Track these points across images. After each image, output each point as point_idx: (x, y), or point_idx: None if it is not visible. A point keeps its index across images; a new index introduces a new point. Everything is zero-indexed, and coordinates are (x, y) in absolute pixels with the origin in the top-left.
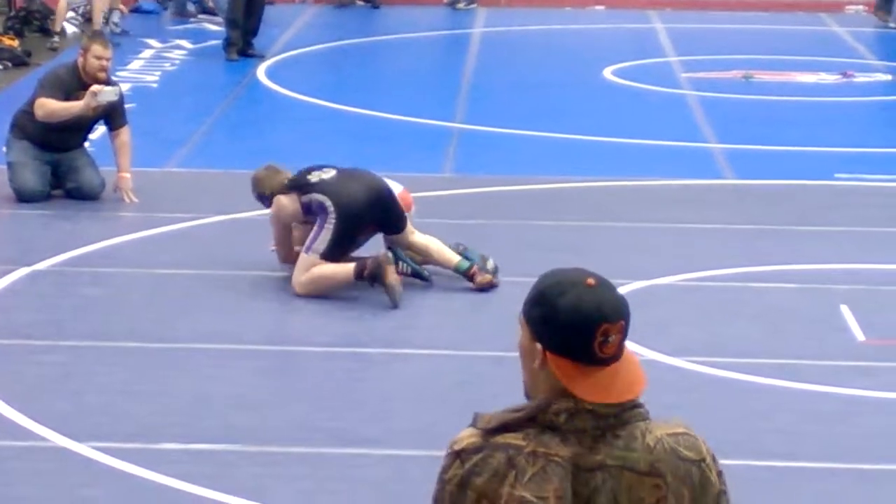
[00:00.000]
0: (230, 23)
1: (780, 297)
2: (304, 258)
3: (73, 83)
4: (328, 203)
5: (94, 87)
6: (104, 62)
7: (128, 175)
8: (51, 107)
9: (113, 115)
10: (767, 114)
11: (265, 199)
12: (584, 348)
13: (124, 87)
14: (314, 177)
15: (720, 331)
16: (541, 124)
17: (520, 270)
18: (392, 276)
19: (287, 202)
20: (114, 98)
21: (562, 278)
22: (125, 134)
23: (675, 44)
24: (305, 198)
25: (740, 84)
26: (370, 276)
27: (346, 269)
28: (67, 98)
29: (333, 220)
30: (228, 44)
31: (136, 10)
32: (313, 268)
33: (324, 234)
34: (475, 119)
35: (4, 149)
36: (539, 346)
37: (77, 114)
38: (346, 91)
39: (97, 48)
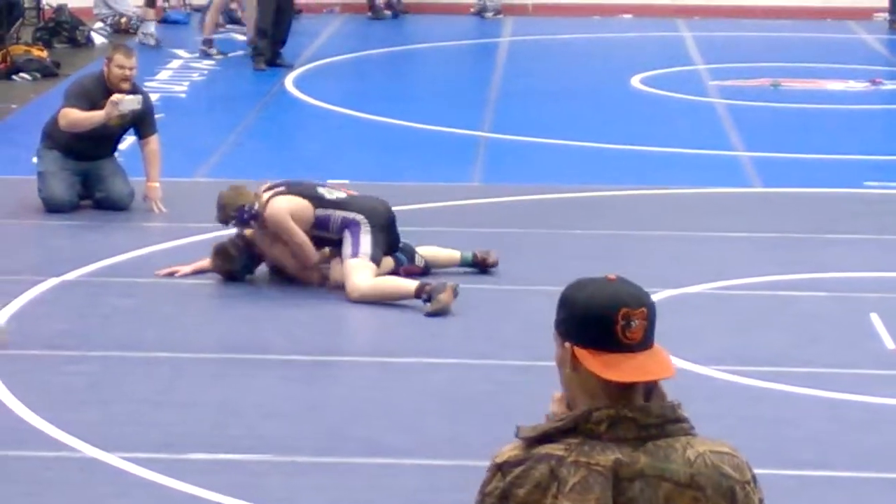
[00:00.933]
0: (259, 32)
1: (809, 305)
2: (356, 263)
3: (98, 92)
4: (359, 217)
5: (115, 97)
6: (127, 71)
7: (157, 185)
8: (73, 116)
9: (141, 124)
10: (796, 122)
11: (243, 216)
12: (608, 334)
13: (153, 96)
14: (328, 193)
15: (750, 339)
16: (569, 133)
17: (549, 279)
18: (448, 298)
19: (302, 206)
20: (136, 107)
21: (583, 279)
22: (154, 143)
23: (702, 52)
24: (322, 212)
25: (768, 92)
26: (428, 296)
27: (409, 286)
28: (92, 107)
29: (369, 230)
30: (257, 54)
31: (165, 21)
32: (376, 278)
33: (363, 239)
34: (503, 128)
35: (35, 159)
36: (567, 345)
37: (98, 123)
38: (373, 100)
39: (119, 58)
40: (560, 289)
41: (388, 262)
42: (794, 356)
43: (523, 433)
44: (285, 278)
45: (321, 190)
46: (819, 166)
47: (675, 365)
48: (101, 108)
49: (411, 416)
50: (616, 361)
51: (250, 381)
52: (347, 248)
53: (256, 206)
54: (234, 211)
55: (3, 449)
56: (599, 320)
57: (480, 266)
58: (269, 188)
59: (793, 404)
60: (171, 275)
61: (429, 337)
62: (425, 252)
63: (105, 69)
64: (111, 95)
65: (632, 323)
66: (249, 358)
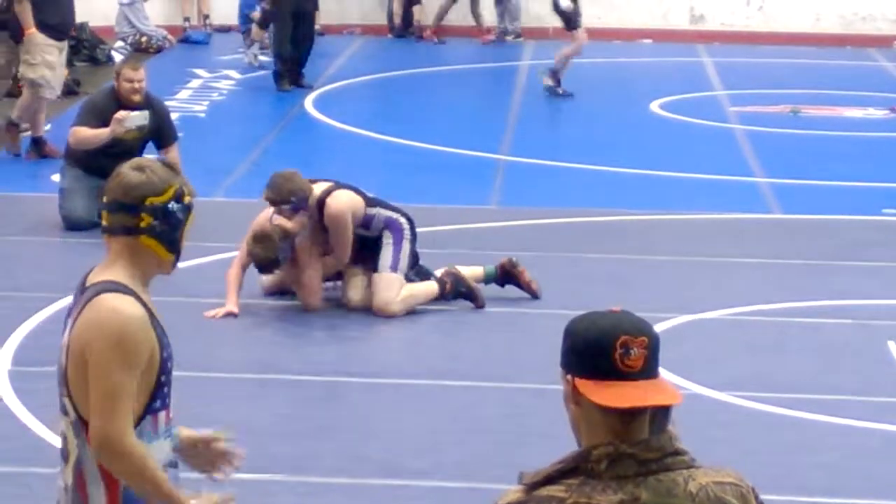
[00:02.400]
0: (276, 56)
1: (827, 332)
2: (393, 278)
3: (110, 108)
4: (402, 221)
5: (120, 114)
6: (135, 84)
7: None
8: (81, 134)
9: (159, 136)
10: (815, 148)
11: (301, 204)
12: (606, 361)
13: (172, 116)
14: (366, 193)
15: (766, 365)
16: (587, 157)
17: (565, 303)
18: (472, 281)
19: (358, 203)
20: (142, 122)
21: (585, 313)
22: (173, 152)
23: (722, 77)
24: (370, 209)
25: (788, 118)
26: (453, 291)
27: (432, 287)
28: (104, 123)
29: (409, 238)
30: (278, 76)
31: (185, 40)
32: (403, 288)
33: (403, 252)
34: (522, 151)
35: (58, 176)
36: (569, 377)
37: (106, 140)
38: (393, 122)
39: (127, 71)
40: (577, 312)
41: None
42: (811, 383)
43: (526, 479)
44: (283, 293)
45: (357, 189)
46: (838, 193)
47: (681, 393)
48: None
49: (426, 438)
50: (614, 389)
51: (264, 400)
52: (388, 257)
53: (308, 197)
54: (290, 194)
55: (22, 466)
56: (597, 348)
57: (510, 277)
58: (315, 182)
59: (809, 431)
60: (229, 315)
61: (444, 359)
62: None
63: (115, 84)
64: (123, 109)
65: (630, 351)
66: (263, 378)
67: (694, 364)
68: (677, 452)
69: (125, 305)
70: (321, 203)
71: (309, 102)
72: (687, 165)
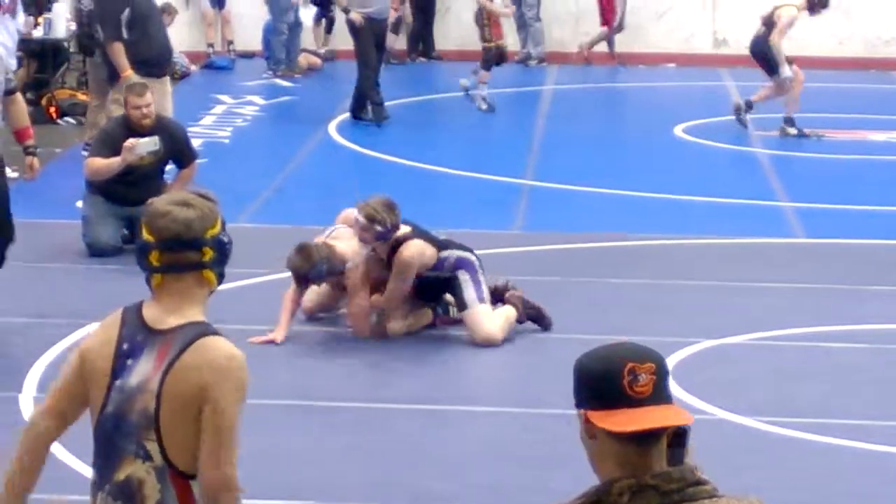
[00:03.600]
0: (362, 78)
1: (851, 356)
2: (484, 309)
3: (121, 136)
4: (472, 257)
5: (129, 142)
6: (143, 110)
7: None
8: (94, 166)
9: (178, 157)
10: (839, 172)
11: (388, 234)
12: (615, 389)
13: (196, 142)
14: (438, 234)
15: (791, 390)
16: (611, 181)
17: (590, 328)
18: (536, 303)
19: (431, 250)
20: (153, 148)
21: (591, 349)
22: (190, 168)
23: (744, 96)
24: (443, 253)
25: (812, 142)
26: (526, 317)
27: (512, 311)
28: (116, 152)
29: (481, 271)
30: (358, 107)
31: (209, 66)
32: (498, 318)
33: (483, 283)
34: (546, 176)
35: (80, 203)
36: (581, 411)
37: (118, 169)
38: (417, 147)
39: (132, 98)
40: (601, 338)
41: (428, 313)
42: (835, 408)
43: None
44: (325, 317)
45: (427, 231)
46: (862, 217)
47: (697, 417)
48: None
49: (454, 464)
50: (626, 415)
51: (294, 426)
52: (471, 292)
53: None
54: (388, 220)
55: (49, 493)
56: (606, 377)
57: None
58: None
59: (833, 456)
60: (270, 342)
61: (471, 385)
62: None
63: (125, 112)
64: (135, 136)
65: (639, 377)
66: (293, 404)
67: (718, 389)
68: (699, 482)
69: (235, 349)
70: (397, 244)
71: (332, 128)
72: (711, 190)
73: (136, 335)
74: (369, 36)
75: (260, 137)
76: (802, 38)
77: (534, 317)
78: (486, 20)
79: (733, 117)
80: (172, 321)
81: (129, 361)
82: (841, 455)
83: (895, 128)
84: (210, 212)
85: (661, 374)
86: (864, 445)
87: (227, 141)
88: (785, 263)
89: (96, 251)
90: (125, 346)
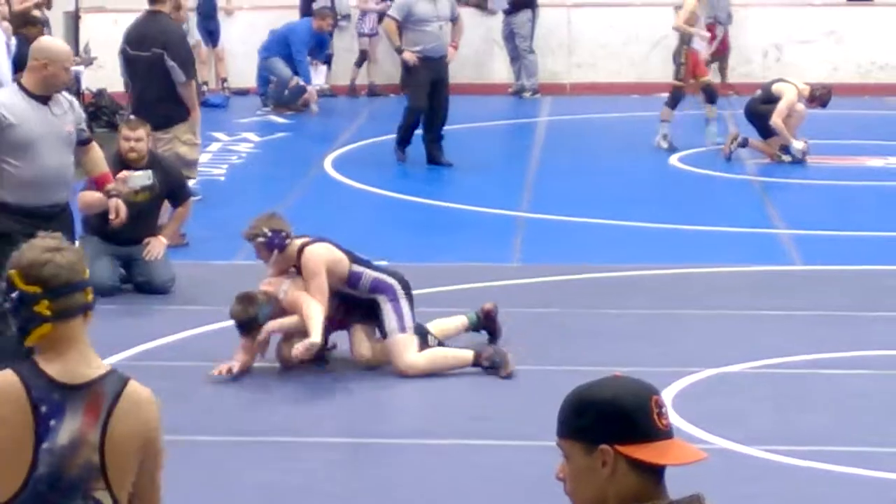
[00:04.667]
0: (406, 113)
1: (852, 383)
2: (404, 338)
3: (115, 170)
4: (392, 281)
5: (123, 174)
6: (132, 143)
7: (164, 241)
8: (86, 199)
9: (172, 195)
10: (835, 198)
11: (275, 239)
12: (648, 423)
13: (191, 182)
14: (355, 253)
15: (792, 418)
16: (607, 212)
17: (590, 360)
18: (511, 368)
19: (338, 258)
20: (146, 182)
21: (588, 384)
22: (184, 206)
23: (741, 129)
24: (356, 268)
25: (807, 169)
26: (490, 365)
27: (465, 356)
28: None
29: (405, 295)
30: (400, 144)
31: (203, 104)
32: (429, 350)
33: (405, 310)
34: (542, 207)
35: (77, 243)
36: (603, 447)
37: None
38: (412, 181)
39: (125, 130)
40: (602, 369)
41: (463, 321)
42: (838, 435)
43: None
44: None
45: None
46: (859, 243)
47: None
48: None
49: (456, 499)
50: (664, 448)
51: (293, 463)
52: (392, 319)
53: (288, 240)
54: (264, 226)
55: None
56: (638, 412)
57: (486, 323)
58: (299, 237)
59: (837, 484)
60: (229, 371)
61: (472, 419)
62: (435, 328)
63: (118, 145)
64: (128, 170)
65: (662, 409)
66: (292, 441)
67: (718, 418)
68: (692, 496)
69: (148, 389)
70: (300, 253)
71: (328, 163)
72: (707, 218)
73: (50, 395)
74: (422, 75)
75: (255, 174)
76: (797, 64)
77: (496, 365)
78: (683, 59)
79: (727, 146)
80: (88, 372)
81: (53, 422)
82: (844, 483)
83: (891, 153)
84: (77, 250)
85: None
86: (867, 472)
87: (222, 178)
88: (783, 291)
89: (94, 291)
90: (43, 409)
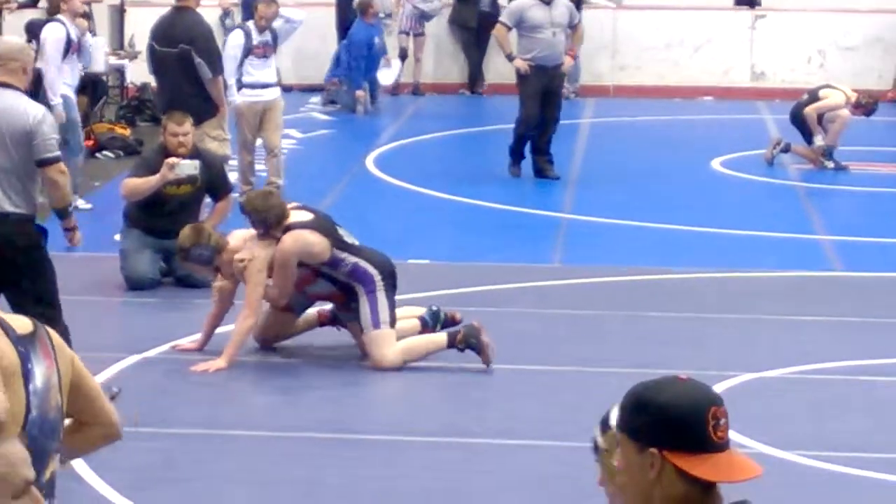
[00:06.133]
0: (516, 137)
1: (891, 390)
2: (381, 334)
3: (159, 162)
4: (372, 271)
5: (170, 160)
6: (180, 138)
7: None
8: (131, 185)
9: (213, 188)
10: (877, 205)
11: (268, 225)
12: (702, 435)
13: (234, 175)
14: (346, 236)
15: (830, 424)
16: (649, 215)
17: (626, 362)
18: (486, 337)
19: (318, 241)
20: (192, 172)
21: (651, 383)
22: (225, 201)
23: (783, 134)
24: (338, 253)
25: (849, 175)
26: (465, 344)
27: (439, 339)
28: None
29: (383, 288)
30: (514, 157)
31: None
32: (402, 341)
33: (381, 304)
34: (583, 209)
35: (118, 236)
36: (653, 450)
37: (156, 186)
38: (453, 180)
39: (171, 126)
40: (641, 371)
41: (415, 324)
42: (875, 442)
43: None
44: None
45: (340, 231)
46: None
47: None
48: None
49: (487, 498)
50: (715, 462)
51: (330, 460)
52: (367, 316)
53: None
54: (261, 215)
55: None
56: (693, 421)
57: (446, 325)
58: (296, 209)
59: (874, 491)
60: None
61: (504, 418)
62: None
63: (162, 139)
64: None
65: (720, 422)
66: (330, 437)
67: (757, 423)
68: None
69: None
70: (286, 231)
71: (370, 161)
72: (748, 223)
73: (20, 341)
74: (534, 84)
75: (297, 171)
76: (840, 70)
77: (476, 348)
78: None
79: (770, 150)
80: (28, 323)
81: (30, 365)
82: (882, 490)
83: None
84: None
85: (728, 416)
86: None
87: (264, 174)
88: (823, 297)
89: (134, 284)
90: (21, 350)
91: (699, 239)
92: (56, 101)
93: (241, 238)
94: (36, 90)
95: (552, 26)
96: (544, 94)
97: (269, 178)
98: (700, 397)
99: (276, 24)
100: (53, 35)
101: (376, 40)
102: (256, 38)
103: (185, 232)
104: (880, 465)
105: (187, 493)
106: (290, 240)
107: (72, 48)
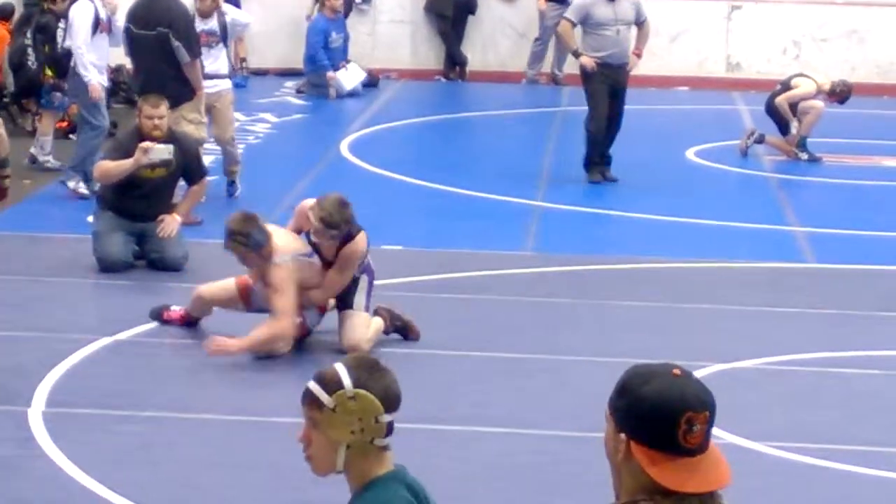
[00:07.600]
0: (589, 140)
1: (862, 382)
2: (366, 317)
3: (133, 145)
4: (370, 261)
5: (145, 144)
6: (155, 121)
7: (179, 219)
8: (104, 167)
9: (187, 172)
10: (850, 197)
11: (345, 236)
12: (669, 437)
13: (208, 159)
14: None
15: (801, 416)
16: (623, 204)
17: (600, 350)
18: (416, 328)
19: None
20: (166, 157)
21: (646, 369)
22: (199, 185)
23: (759, 125)
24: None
25: (823, 167)
26: (395, 329)
27: (380, 323)
28: (128, 157)
29: (372, 277)
30: (589, 164)
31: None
32: (371, 327)
33: (371, 294)
34: (557, 197)
35: (91, 218)
36: (623, 435)
37: (129, 170)
38: (428, 167)
39: (146, 108)
40: (611, 360)
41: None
42: (848, 434)
43: None
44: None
45: None
46: (874, 243)
47: (730, 470)
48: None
49: (459, 486)
50: (675, 466)
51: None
52: (363, 298)
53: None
54: (344, 223)
55: None
56: (662, 421)
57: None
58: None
59: (845, 482)
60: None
61: (477, 405)
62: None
63: (137, 122)
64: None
65: (693, 428)
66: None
67: (728, 414)
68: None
69: None
70: (346, 238)
71: (344, 146)
72: (722, 213)
73: None
74: (600, 82)
75: (272, 155)
76: (815, 63)
77: (401, 329)
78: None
79: (743, 141)
80: None
81: None
82: (854, 482)
83: None
84: None
85: (712, 421)
86: (877, 472)
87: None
88: (796, 288)
89: (106, 266)
90: None
91: (672, 228)
92: (90, 76)
93: (283, 238)
94: (66, 68)
95: (617, 23)
96: (609, 93)
97: (229, 168)
98: (680, 398)
99: (228, 19)
100: (81, 14)
101: (334, 35)
102: (199, 26)
103: (239, 217)
104: (852, 458)
105: (159, 475)
106: (362, 240)
107: (101, 27)
